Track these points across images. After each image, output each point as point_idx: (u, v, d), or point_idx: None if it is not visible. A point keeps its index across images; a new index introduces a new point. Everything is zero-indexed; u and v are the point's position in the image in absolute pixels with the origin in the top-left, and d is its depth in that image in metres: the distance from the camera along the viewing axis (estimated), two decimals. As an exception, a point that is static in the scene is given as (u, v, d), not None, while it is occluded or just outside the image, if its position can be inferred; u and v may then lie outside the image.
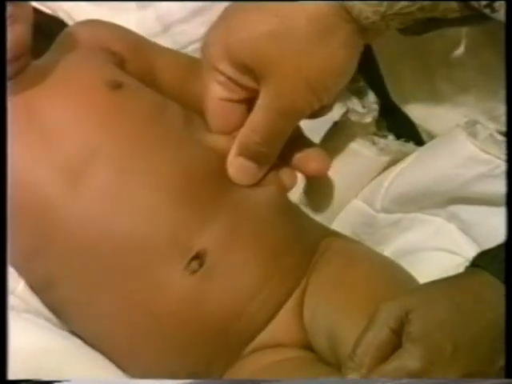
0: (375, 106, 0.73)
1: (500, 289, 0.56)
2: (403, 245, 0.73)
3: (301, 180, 0.69)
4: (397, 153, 0.73)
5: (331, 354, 0.60)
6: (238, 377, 0.62)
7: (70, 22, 0.78)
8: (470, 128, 0.70)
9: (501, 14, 0.56)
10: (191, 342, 0.62)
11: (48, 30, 0.71)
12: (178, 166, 0.64)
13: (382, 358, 0.54)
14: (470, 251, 0.66)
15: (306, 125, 0.68)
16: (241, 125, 0.65)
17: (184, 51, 0.78)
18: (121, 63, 0.70)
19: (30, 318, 0.63)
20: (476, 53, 0.74)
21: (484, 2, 0.56)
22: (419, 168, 0.72)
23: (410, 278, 0.66)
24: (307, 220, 0.70)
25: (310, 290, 0.64)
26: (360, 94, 0.74)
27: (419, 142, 0.75)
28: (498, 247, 0.58)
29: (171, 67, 0.72)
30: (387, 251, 0.73)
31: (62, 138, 0.63)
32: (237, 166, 0.65)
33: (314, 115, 0.65)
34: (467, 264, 0.59)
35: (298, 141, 0.67)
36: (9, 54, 0.62)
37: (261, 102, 0.63)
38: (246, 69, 0.63)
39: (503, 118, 0.74)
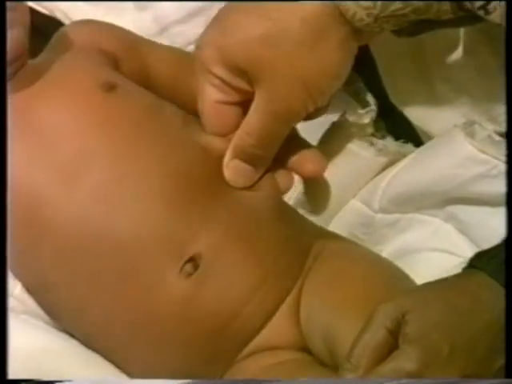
0: (373, 107, 0.73)
1: (497, 290, 0.56)
2: (401, 245, 0.73)
3: (297, 181, 0.69)
4: (395, 154, 0.73)
5: (328, 355, 0.60)
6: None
7: (66, 22, 0.78)
8: (468, 128, 0.70)
9: (494, 16, 0.56)
10: (187, 345, 0.62)
11: (45, 30, 0.71)
12: (173, 168, 0.63)
13: (379, 359, 0.54)
14: (468, 252, 0.66)
15: (304, 126, 0.67)
16: (236, 127, 0.65)
17: (182, 52, 0.78)
18: (115, 63, 0.69)
19: (27, 319, 0.63)
20: (474, 53, 0.74)
21: (478, 4, 0.56)
22: (417, 168, 0.72)
23: (406, 279, 0.66)
24: (302, 221, 0.69)
25: (306, 291, 0.64)
26: (358, 95, 0.74)
27: (417, 143, 0.75)
28: (495, 248, 0.58)
29: (166, 63, 0.72)
30: (385, 251, 0.73)
31: (57, 139, 0.63)
32: (232, 169, 0.65)
33: (308, 117, 0.65)
34: (464, 265, 0.59)
35: (294, 142, 0.67)
36: (7, 57, 0.62)
37: (256, 105, 0.63)
38: (241, 72, 0.62)
39: (501, 119, 0.74)
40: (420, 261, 0.71)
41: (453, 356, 0.54)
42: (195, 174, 0.64)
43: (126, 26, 0.73)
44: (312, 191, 0.72)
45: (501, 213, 0.65)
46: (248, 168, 0.65)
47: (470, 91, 0.75)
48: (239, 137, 0.65)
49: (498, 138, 0.68)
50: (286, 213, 0.68)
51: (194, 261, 0.61)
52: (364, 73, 0.74)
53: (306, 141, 0.68)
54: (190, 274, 0.61)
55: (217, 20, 0.64)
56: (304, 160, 0.67)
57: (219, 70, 0.63)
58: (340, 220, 0.74)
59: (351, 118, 0.72)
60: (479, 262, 0.57)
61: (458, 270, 0.59)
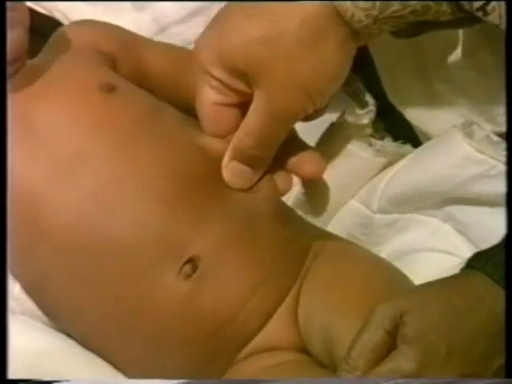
0: (372, 108, 0.73)
1: (495, 290, 0.56)
2: (400, 245, 0.73)
3: (296, 182, 0.69)
4: (393, 154, 0.73)
5: (326, 355, 0.60)
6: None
7: (65, 22, 0.78)
8: (467, 129, 0.70)
9: (493, 17, 0.56)
10: (186, 345, 0.62)
11: (43, 30, 0.71)
12: (172, 169, 0.63)
13: (377, 359, 0.54)
14: (467, 252, 0.66)
15: (302, 126, 0.67)
16: (235, 128, 0.65)
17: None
18: (113, 63, 0.70)
19: (26, 319, 0.63)
20: (473, 54, 0.74)
21: (477, 5, 0.56)
22: (416, 168, 0.72)
23: (405, 279, 0.66)
24: (301, 222, 0.70)
25: (305, 292, 0.64)
26: (357, 96, 0.74)
27: (416, 144, 0.75)
28: (493, 248, 0.58)
29: (165, 59, 0.72)
30: (384, 252, 0.73)
31: (56, 139, 0.63)
32: (231, 170, 0.65)
33: (307, 118, 0.65)
34: (462, 265, 0.59)
35: (293, 144, 0.67)
36: (7, 58, 0.62)
37: (254, 106, 0.63)
38: (239, 73, 0.62)
39: (500, 119, 0.74)
40: (418, 261, 0.71)
41: (451, 356, 0.54)
42: (194, 175, 0.64)
43: (125, 27, 0.74)
44: (311, 192, 0.72)
45: (499, 213, 0.65)
46: (247, 169, 0.65)
47: (468, 92, 0.75)
48: (238, 138, 0.64)
49: (496, 138, 0.69)
50: (284, 214, 0.67)
51: (192, 262, 0.61)
52: (363, 73, 0.74)
53: (305, 142, 0.68)
54: (188, 276, 0.61)
55: (216, 21, 0.64)
56: (303, 161, 0.67)
57: (218, 72, 0.63)
58: (339, 220, 0.74)
59: (350, 119, 0.72)
60: (477, 262, 0.57)
61: (457, 270, 0.59)
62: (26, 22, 0.64)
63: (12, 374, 0.58)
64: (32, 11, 0.68)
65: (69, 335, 0.64)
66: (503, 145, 0.68)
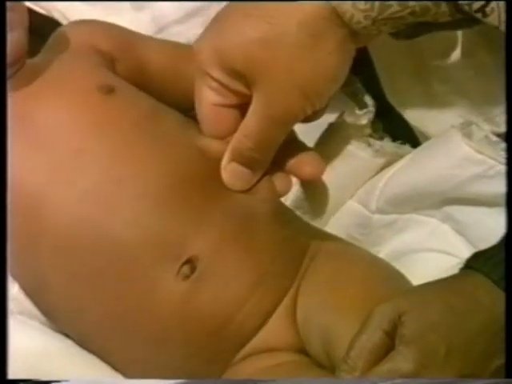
0: (371, 108, 0.73)
1: (494, 290, 0.56)
2: (398, 246, 0.73)
3: (295, 182, 0.69)
4: (392, 155, 0.73)
5: (325, 356, 0.60)
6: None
7: (64, 23, 0.78)
8: (465, 129, 0.70)
9: (492, 18, 0.56)
10: (185, 346, 0.62)
11: (42, 30, 0.71)
12: (172, 170, 0.63)
13: (376, 360, 0.54)
14: (465, 252, 0.66)
15: (301, 127, 0.67)
16: (234, 130, 0.65)
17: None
18: (112, 63, 0.70)
19: (24, 320, 0.63)
20: (471, 55, 0.74)
21: (476, 7, 0.56)
22: (414, 169, 0.72)
23: (403, 280, 0.66)
24: (299, 222, 0.70)
25: (303, 292, 0.64)
26: (356, 96, 0.74)
27: (415, 144, 0.75)
28: (492, 248, 0.58)
29: (164, 55, 0.71)
30: (382, 252, 0.73)
31: (55, 139, 0.63)
32: (230, 172, 0.65)
33: (306, 120, 0.65)
34: (461, 265, 0.59)
35: (292, 145, 0.67)
36: (7, 59, 0.63)
37: (253, 108, 0.63)
38: (238, 75, 0.62)
39: (498, 119, 0.74)
40: (417, 261, 0.71)
41: (449, 357, 0.54)
42: (193, 176, 0.64)
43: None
44: (310, 192, 0.72)
45: (498, 213, 0.65)
46: (246, 171, 0.65)
47: (467, 92, 0.75)
48: (237, 140, 0.64)
49: (495, 138, 0.68)
50: (283, 214, 0.67)
51: (191, 263, 0.61)
52: (362, 74, 0.74)
53: (304, 143, 0.68)
54: (187, 276, 0.61)
55: (215, 21, 0.64)
56: (302, 163, 0.67)
57: (217, 73, 0.63)
58: (337, 221, 0.74)
59: (349, 119, 0.72)
60: (476, 262, 0.58)
61: (455, 270, 0.59)
62: (26, 22, 0.64)
63: (12, 374, 0.58)
64: (31, 11, 0.68)
65: (67, 336, 0.64)
66: (502, 145, 0.68)
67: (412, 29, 0.63)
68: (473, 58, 0.74)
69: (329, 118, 0.72)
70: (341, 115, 0.73)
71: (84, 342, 0.63)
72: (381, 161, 0.73)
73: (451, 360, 0.54)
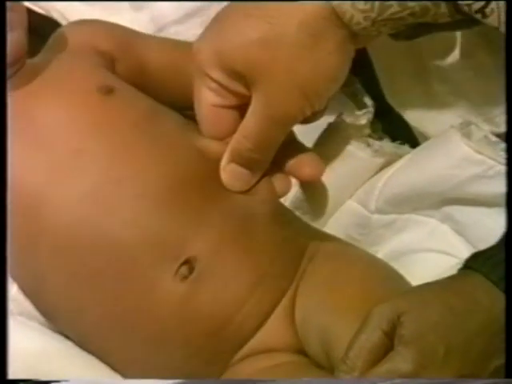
0: (370, 108, 0.73)
1: (493, 291, 0.56)
2: (397, 246, 0.73)
3: (294, 183, 0.69)
4: (391, 155, 0.73)
5: (324, 357, 0.60)
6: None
7: (63, 23, 0.78)
8: (465, 129, 0.70)
9: (492, 19, 0.56)
10: (185, 346, 0.62)
11: (41, 30, 0.71)
12: (170, 171, 0.63)
13: (375, 360, 0.54)
14: (465, 252, 0.66)
15: (300, 127, 0.67)
16: (233, 131, 0.65)
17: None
18: (112, 63, 0.70)
19: (24, 320, 0.63)
20: (471, 55, 0.74)
21: (475, 7, 0.56)
22: (413, 169, 0.72)
23: (402, 280, 0.66)
24: (299, 223, 0.70)
25: (301, 293, 0.64)
26: (355, 97, 0.74)
27: (414, 145, 0.75)
28: (491, 249, 0.58)
29: (165, 53, 0.72)
30: (381, 252, 0.73)
31: (55, 138, 0.64)
32: (229, 172, 0.65)
33: (306, 120, 0.65)
34: (460, 266, 0.59)
35: (292, 146, 0.67)
36: (7, 59, 0.63)
37: (253, 109, 0.63)
38: (238, 75, 0.62)
39: (498, 120, 0.74)
40: (416, 261, 0.71)
41: (448, 357, 0.54)
42: (192, 177, 0.64)
43: (123, 27, 0.74)
44: (309, 193, 0.72)
45: (497, 213, 0.65)
46: (245, 172, 0.65)
47: (466, 93, 0.75)
48: (236, 140, 0.64)
49: (494, 138, 0.68)
50: (282, 215, 0.67)
51: (189, 263, 0.61)
52: (361, 74, 0.74)
53: (304, 144, 0.68)
54: (185, 277, 0.61)
55: (216, 21, 0.64)
56: (301, 164, 0.67)
57: (216, 74, 0.63)
58: (336, 221, 0.74)
59: (348, 119, 0.72)
60: (475, 262, 0.58)
61: (454, 270, 0.59)
62: (25, 22, 0.64)
63: (12, 374, 0.58)
64: (30, 11, 0.69)
65: (66, 336, 0.64)
66: (501, 145, 0.68)
67: (411, 30, 0.63)
68: (472, 59, 0.74)
69: (328, 118, 0.72)
70: (340, 115, 0.73)
71: (83, 343, 0.64)
72: (380, 161, 0.73)
73: (450, 360, 0.54)
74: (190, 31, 0.77)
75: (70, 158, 0.63)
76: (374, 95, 0.75)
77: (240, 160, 0.65)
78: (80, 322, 0.63)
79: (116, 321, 0.62)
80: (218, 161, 0.65)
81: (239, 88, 0.63)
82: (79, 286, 0.62)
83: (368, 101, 0.74)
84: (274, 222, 0.65)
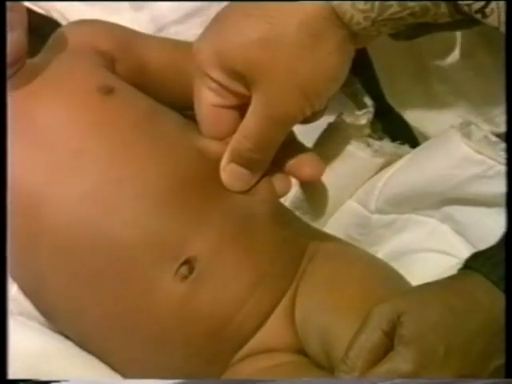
0: (370, 109, 0.73)
1: (493, 291, 0.56)
2: (397, 246, 0.73)
3: (294, 183, 0.69)
4: (391, 155, 0.73)
5: (324, 357, 0.60)
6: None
7: (63, 23, 0.78)
8: (465, 129, 0.70)
9: (492, 19, 0.56)
10: (185, 346, 0.62)
11: (41, 30, 0.71)
12: (170, 171, 0.63)
13: (375, 360, 0.54)
14: (465, 252, 0.66)
15: (300, 127, 0.67)
16: (233, 131, 0.65)
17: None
18: (112, 63, 0.70)
19: (24, 320, 0.63)
20: (471, 55, 0.74)
21: (475, 7, 0.56)
22: (413, 169, 0.72)
23: (402, 280, 0.66)
24: (298, 223, 0.70)
25: (301, 293, 0.64)
26: (355, 97, 0.74)
27: (414, 145, 0.75)
28: (491, 249, 0.58)
29: (164, 55, 0.72)
30: (381, 252, 0.73)
31: (55, 138, 0.64)
32: (229, 172, 0.65)
33: (306, 121, 0.65)
34: (460, 266, 0.59)
35: (292, 146, 0.67)
36: (7, 59, 0.63)
37: (253, 109, 0.63)
38: (238, 75, 0.62)
39: (498, 120, 0.74)
40: (416, 261, 0.71)
41: (448, 357, 0.54)
42: (192, 177, 0.64)
43: (123, 27, 0.74)
44: (309, 193, 0.72)
45: (497, 213, 0.65)
46: (245, 172, 0.65)
47: (466, 93, 0.75)
48: (236, 140, 0.64)
49: (494, 138, 0.68)
50: (282, 215, 0.68)
51: (189, 263, 0.61)
52: (361, 74, 0.74)
53: (304, 144, 0.68)
54: (185, 277, 0.61)
55: (216, 21, 0.64)
56: (301, 164, 0.67)
57: (216, 74, 0.63)
58: (336, 221, 0.74)
59: (348, 119, 0.72)
60: (475, 262, 0.58)
61: (454, 270, 0.59)
62: (25, 22, 0.64)
63: (12, 374, 0.58)
64: (30, 11, 0.69)
65: (66, 336, 0.64)
66: (501, 145, 0.68)
67: (411, 30, 0.63)
68: (472, 59, 0.74)
69: (328, 118, 0.72)
70: (340, 115, 0.73)
71: (83, 343, 0.64)
72: (380, 161, 0.73)
73: (450, 360, 0.54)
74: (189, 31, 0.77)
75: (70, 158, 0.63)
76: (374, 95, 0.75)
77: (240, 160, 0.65)
78: (80, 322, 0.63)
79: (116, 321, 0.62)
80: (217, 161, 0.65)
81: (239, 88, 0.63)
82: (79, 286, 0.62)
83: (368, 101, 0.74)
84: (274, 222, 0.65)
